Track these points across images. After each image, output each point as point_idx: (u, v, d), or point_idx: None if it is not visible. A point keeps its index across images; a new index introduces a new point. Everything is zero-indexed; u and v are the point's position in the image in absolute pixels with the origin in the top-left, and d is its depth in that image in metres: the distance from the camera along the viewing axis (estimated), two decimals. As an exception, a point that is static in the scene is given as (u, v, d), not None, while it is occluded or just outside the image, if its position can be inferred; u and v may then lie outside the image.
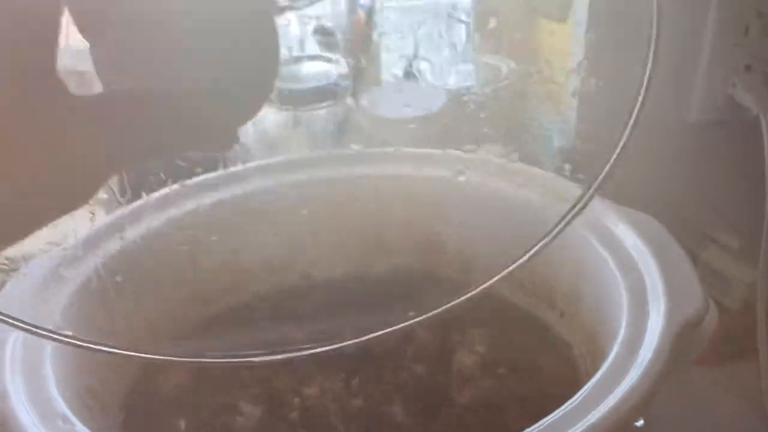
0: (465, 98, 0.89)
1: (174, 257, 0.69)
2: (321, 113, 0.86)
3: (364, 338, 0.35)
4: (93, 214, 0.62)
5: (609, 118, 0.81)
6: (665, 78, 0.80)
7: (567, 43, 0.77)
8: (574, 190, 0.66)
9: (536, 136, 0.85)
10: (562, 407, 0.46)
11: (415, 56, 0.96)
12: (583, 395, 0.47)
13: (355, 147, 0.90)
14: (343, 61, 0.86)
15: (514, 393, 0.60)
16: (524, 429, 0.59)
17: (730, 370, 0.87)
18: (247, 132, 0.97)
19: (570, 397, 0.65)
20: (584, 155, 0.79)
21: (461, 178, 0.71)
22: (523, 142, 0.91)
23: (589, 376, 0.62)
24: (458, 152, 0.74)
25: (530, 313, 0.70)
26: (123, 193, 0.76)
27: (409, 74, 0.97)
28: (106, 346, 0.28)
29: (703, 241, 0.88)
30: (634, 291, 0.55)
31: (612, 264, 0.59)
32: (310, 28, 0.94)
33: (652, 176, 0.85)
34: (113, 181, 0.65)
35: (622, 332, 0.52)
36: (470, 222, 0.72)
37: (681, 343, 0.49)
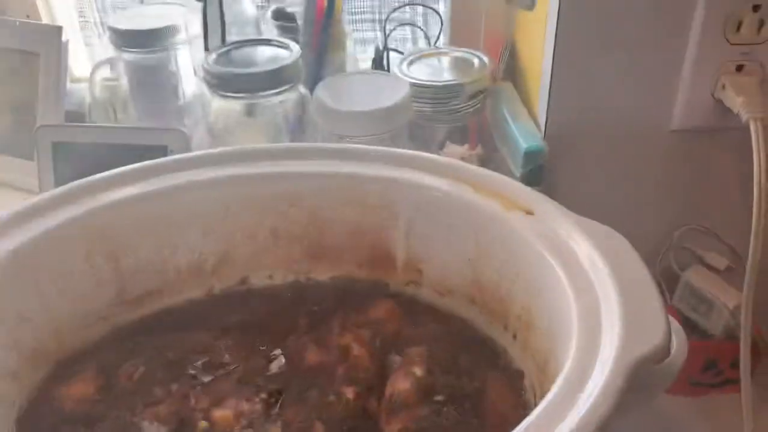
0: (431, 92, 0.82)
1: (90, 255, 0.62)
2: (273, 101, 0.79)
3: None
4: None
5: (579, 113, 0.74)
6: (645, 80, 0.72)
7: (540, 34, 0.69)
8: (541, 202, 0.59)
9: (505, 136, 0.78)
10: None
11: (384, 46, 0.89)
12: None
13: (306, 140, 0.84)
14: (298, 47, 0.79)
15: (451, 427, 0.53)
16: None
17: (709, 400, 0.79)
18: (193, 118, 0.89)
19: None
20: (553, 156, 0.72)
21: (419, 180, 0.64)
22: (490, 141, 0.83)
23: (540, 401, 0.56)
24: (418, 152, 0.67)
25: (482, 334, 0.63)
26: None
27: (375, 64, 0.90)
28: None
29: (685, 259, 0.81)
30: (587, 316, 0.48)
31: (566, 283, 0.51)
32: (269, 11, 0.87)
33: (630, 188, 0.78)
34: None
35: (568, 364, 0.44)
36: (425, 230, 0.64)
37: (638, 380, 0.42)
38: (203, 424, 0.54)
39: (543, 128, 0.73)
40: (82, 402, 0.57)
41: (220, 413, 0.55)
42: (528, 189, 0.60)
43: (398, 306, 0.65)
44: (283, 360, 0.63)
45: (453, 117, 0.82)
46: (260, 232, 0.68)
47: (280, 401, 0.58)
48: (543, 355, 0.55)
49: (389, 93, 0.78)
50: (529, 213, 0.58)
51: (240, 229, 0.67)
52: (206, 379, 0.61)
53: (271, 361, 0.63)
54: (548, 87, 0.71)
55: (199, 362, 0.62)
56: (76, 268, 0.61)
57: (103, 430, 0.55)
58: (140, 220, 0.64)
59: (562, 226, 0.56)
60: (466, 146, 0.78)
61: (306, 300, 0.70)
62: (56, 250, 0.59)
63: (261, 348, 0.64)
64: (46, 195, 0.61)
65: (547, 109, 0.71)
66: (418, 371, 0.57)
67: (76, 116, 0.95)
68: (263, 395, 0.57)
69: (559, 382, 0.43)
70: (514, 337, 0.60)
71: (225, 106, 0.80)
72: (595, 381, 0.42)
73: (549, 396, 0.42)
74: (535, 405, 0.56)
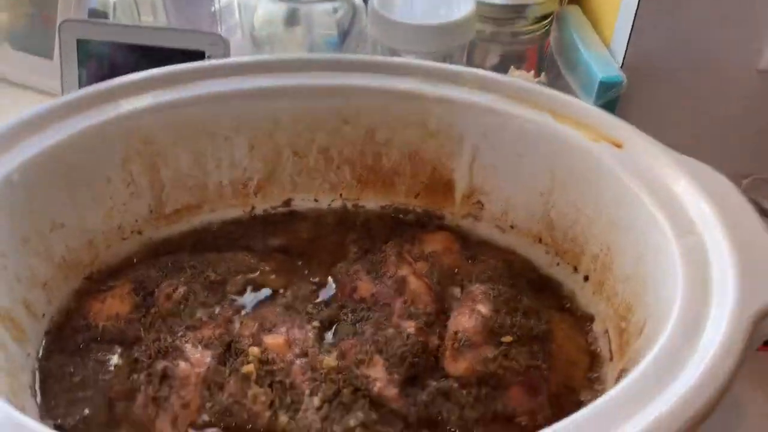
0: (495, 11, 0.75)
1: (128, 161, 0.56)
2: (325, 8, 0.72)
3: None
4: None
5: (663, 44, 0.68)
6: (737, 14, 0.65)
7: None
8: (632, 134, 0.53)
9: (575, 64, 0.72)
10: (594, 406, 0.35)
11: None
12: (622, 391, 0.35)
13: (360, 53, 0.77)
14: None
15: (517, 369, 0.49)
16: (518, 415, 0.49)
17: None
18: (227, 25, 0.82)
19: (582, 380, 0.54)
20: (628, 89, 0.66)
21: (490, 104, 0.58)
22: (551, 69, 0.77)
23: (614, 360, 0.52)
24: (483, 71, 0.61)
25: (547, 274, 0.59)
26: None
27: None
28: None
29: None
30: (691, 262, 0.43)
31: (663, 224, 0.46)
32: None
33: (705, 128, 0.72)
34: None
35: (674, 314, 0.40)
36: (492, 159, 0.59)
37: (754, 335, 0.38)
38: (254, 350, 0.49)
39: (621, 58, 0.67)
40: (116, 320, 0.53)
41: (272, 339, 0.51)
42: (617, 119, 0.54)
43: (455, 239, 0.61)
44: (334, 288, 0.58)
45: (514, 40, 0.76)
46: (310, 150, 0.62)
47: (333, 330, 0.54)
48: (625, 300, 0.50)
49: (451, 8, 0.71)
50: (618, 145, 0.53)
51: (289, 145, 0.61)
52: (252, 303, 0.56)
53: (319, 288, 0.58)
54: (633, 14, 0.64)
55: (244, 285, 0.57)
56: (112, 174, 0.56)
57: (141, 352, 0.50)
58: (182, 126, 0.58)
59: (657, 161, 0.50)
60: (531, 72, 0.72)
61: (354, 227, 0.65)
62: (93, 152, 0.53)
63: (307, 274, 0.60)
64: (81, 92, 0.55)
65: (629, 38, 0.65)
66: (484, 310, 0.53)
67: (98, 16, 0.87)
68: (315, 324, 0.53)
69: (667, 333, 0.39)
70: (586, 278, 0.56)
71: (271, 12, 0.73)
72: (715, 331, 0.37)
73: (658, 346, 0.38)
74: (611, 353, 0.52)
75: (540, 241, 0.59)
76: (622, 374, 0.47)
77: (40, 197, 0.51)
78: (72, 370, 0.50)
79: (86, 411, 0.48)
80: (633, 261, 0.50)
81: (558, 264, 0.58)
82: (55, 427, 0.47)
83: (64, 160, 0.52)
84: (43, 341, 0.52)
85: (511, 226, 0.61)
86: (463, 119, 0.59)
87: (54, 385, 0.50)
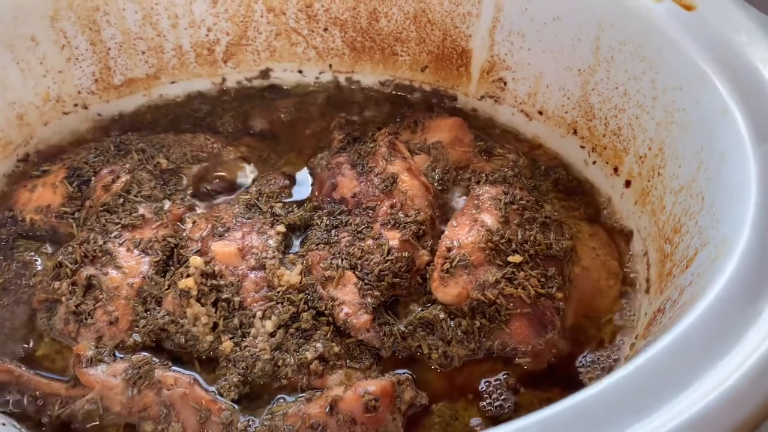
0: None
1: (58, 17, 0.45)
2: None
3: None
4: None
5: None
6: None
7: None
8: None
9: None
10: (623, 377, 0.24)
11: None
12: (657, 359, 0.25)
13: None
14: None
15: (523, 298, 0.39)
16: (519, 356, 0.39)
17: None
18: None
19: (609, 313, 0.42)
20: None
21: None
22: None
23: (651, 293, 0.40)
24: None
25: (580, 175, 0.46)
26: None
27: None
28: None
29: None
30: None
31: (740, 125, 0.33)
32: None
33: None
34: None
35: (738, 251, 0.29)
36: (519, 23, 0.45)
37: None
38: (197, 260, 0.40)
39: None
40: (46, 214, 0.44)
41: (221, 248, 0.41)
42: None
43: (468, 126, 0.48)
44: (310, 183, 0.47)
45: None
46: (289, 5, 0.49)
47: (301, 238, 0.44)
48: (674, 217, 0.38)
49: None
50: (688, 7, 0.38)
51: (262, -1, 0.49)
52: (208, 199, 0.46)
53: (291, 183, 0.48)
54: None
55: (201, 176, 0.47)
56: (38, 34, 0.45)
57: (66, 255, 0.42)
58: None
59: (741, 30, 0.36)
60: None
61: (344, 107, 0.53)
62: (8, 5, 0.43)
63: (280, 165, 0.49)
64: None
65: None
66: (489, 219, 0.41)
67: None
68: (279, 228, 0.43)
69: (729, 275, 0.27)
70: (627, 184, 0.43)
71: None
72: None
73: (715, 292, 0.27)
74: (647, 282, 0.41)
75: (575, 132, 0.46)
76: (657, 317, 0.36)
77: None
78: (-8, 271, 0.43)
79: (3, 322, 0.41)
80: (691, 168, 0.37)
81: (595, 163, 0.46)
82: (-34, 339, 0.40)
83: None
84: (-37, 234, 0.45)
85: (540, 112, 0.48)
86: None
87: (-30, 288, 0.42)
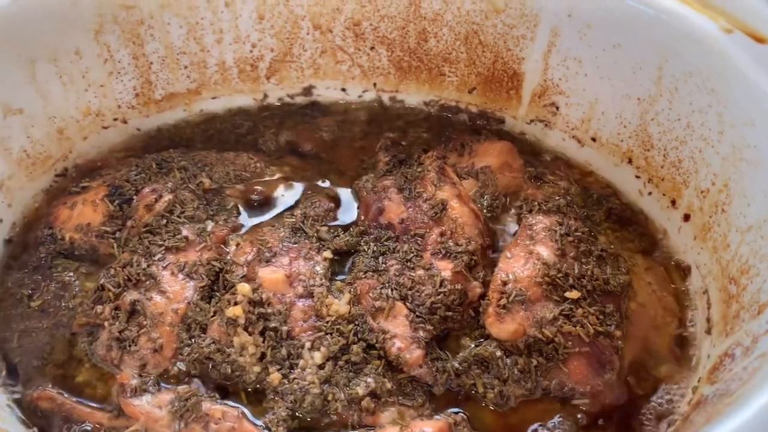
0: None
1: (103, 30, 0.44)
2: None
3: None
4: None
5: None
6: None
7: None
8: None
9: None
10: None
11: None
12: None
13: None
14: None
15: (582, 336, 0.37)
16: (577, 396, 0.37)
17: None
18: None
19: (666, 353, 0.40)
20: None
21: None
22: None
23: (713, 335, 0.39)
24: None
25: (635, 206, 0.45)
26: None
27: None
28: None
29: None
30: None
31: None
32: None
33: None
34: None
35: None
36: (576, 48, 0.44)
37: None
38: (245, 287, 0.39)
39: None
40: (86, 233, 0.43)
41: (269, 274, 0.40)
42: (764, 2, 0.38)
43: (518, 152, 0.47)
44: (355, 206, 0.46)
45: None
46: (337, 23, 0.48)
47: (348, 264, 0.42)
48: (740, 257, 0.37)
49: None
50: (761, 39, 0.37)
51: (308, 15, 0.47)
52: (252, 220, 0.45)
53: (337, 206, 0.47)
54: None
55: (245, 196, 0.45)
56: (83, 46, 0.44)
57: (108, 278, 0.40)
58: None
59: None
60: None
61: (387, 126, 0.52)
62: (55, 16, 0.42)
63: (324, 186, 0.48)
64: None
65: None
66: (545, 252, 0.40)
67: None
68: (326, 254, 0.41)
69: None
70: (686, 218, 0.42)
71: None
72: None
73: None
74: (708, 323, 0.39)
75: (630, 161, 0.45)
76: (725, 362, 0.35)
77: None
78: (31, 292, 0.41)
79: (42, 346, 0.39)
80: (762, 208, 0.36)
81: (650, 194, 0.45)
82: (3, 361, 0.39)
83: (13, 27, 0.41)
84: (2, 253, 0.44)
85: (593, 139, 0.46)
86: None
87: (9, 309, 0.41)
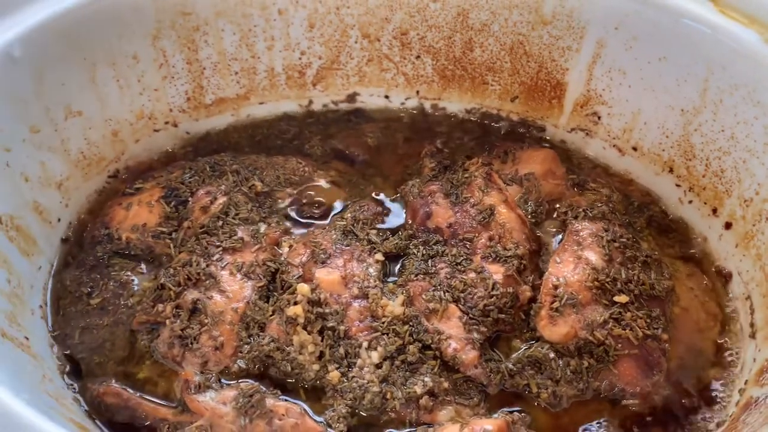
0: None
1: (160, 36, 0.45)
2: None
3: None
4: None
5: None
6: None
7: None
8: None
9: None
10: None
11: None
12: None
13: None
14: None
15: (631, 339, 0.38)
16: (627, 397, 0.39)
17: None
18: None
19: (710, 355, 0.41)
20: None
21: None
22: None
23: (757, 338, 0.40)
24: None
25: (675, 214, 0.46)
26: None
27: None
28: None
29: None
30: None
31: None
32: None
33: None
34: None
35: None
36: (621, 59, 0.45)
37: None
38: (304, 287, 0.40)
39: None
40: (143, 233, 0.44)
41: (326, 275, 0.41)
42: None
43: (561, 160, 0.48)
44: (402, 210, 0.48)
45: None
46: (385, 32, 0.49)
47: (398, 267, 0.44)
48: (785, 264, 0.38)
49: None
50: (807, 54, 0.38)
51: (358, 25, 0.49)
52: (303, 222, 0.46)
53: (385, 211, 0.48)
54: None
55: (295, 199, 0.47)
56: (141, 51, 0.45)
57: (168, 277, 0.41)
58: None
59: None
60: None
61: (429, 133, 0.53)
62: (116, 22, 0.43)
63: (371, 190, 0.49)
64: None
65: None
66: (594, 258, 0.41)
67: None
68: (378, 256, 0.43)
69: None
70: (728, 226, 0.43)
71: None
72: None
73: None
74: (752, 327, 0.41)
75: (671, 170, 0.46)
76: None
77: (51, 77, 0.41)
78: (90, 290, 0.42)
79: (103, 342, 0.40)
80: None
81: (691, 202, 0.46)
82: (66, 358, 0.40)
83: (78, 31, 0.41)
84: (59, 252, 0.44)
85: (634, 148, 0.48)
86: (589, 4, 0.45)
87: (68, 307, 0.42)
